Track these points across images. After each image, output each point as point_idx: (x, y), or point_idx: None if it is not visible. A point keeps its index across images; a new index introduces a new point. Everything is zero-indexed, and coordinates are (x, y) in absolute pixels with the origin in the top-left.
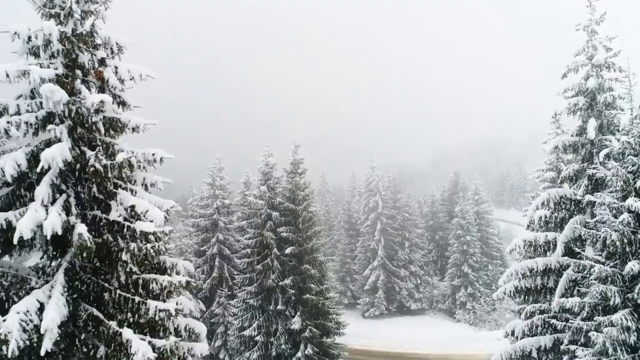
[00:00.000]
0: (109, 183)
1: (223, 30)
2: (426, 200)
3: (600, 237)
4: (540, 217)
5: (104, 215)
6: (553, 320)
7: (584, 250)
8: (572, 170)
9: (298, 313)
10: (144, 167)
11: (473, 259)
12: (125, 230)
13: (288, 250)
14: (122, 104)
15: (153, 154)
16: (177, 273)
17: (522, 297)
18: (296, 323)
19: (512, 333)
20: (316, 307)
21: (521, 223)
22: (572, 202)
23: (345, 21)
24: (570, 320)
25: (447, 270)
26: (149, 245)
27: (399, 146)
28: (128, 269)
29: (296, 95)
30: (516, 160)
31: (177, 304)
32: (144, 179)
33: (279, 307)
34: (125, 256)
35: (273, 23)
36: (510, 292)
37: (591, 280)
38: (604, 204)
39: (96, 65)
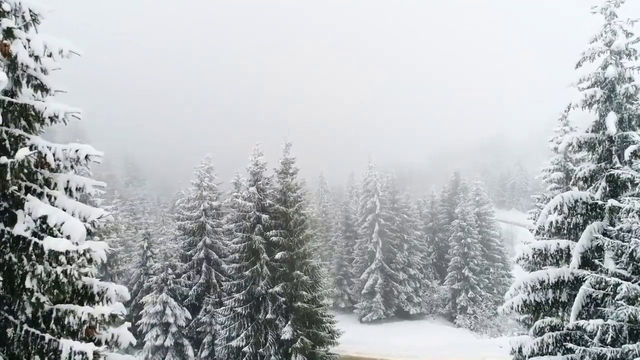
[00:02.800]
0: (13, 187)
1: (221, 29)
2: (425, 201)
3: (627, 249)
4: (551, 222)
5: (7, 229)
6: (570, 345)
7: (602, 262)
8: (588, 170)
9: (289, 322)
10: (65, 167)
11: (474, 261)
12: (31, 248)
13: (278, 256)
14: (40, 87)
15: (76, 151)
16: (108, 300)
17: (532, 312)
18: (287, 333)
19: (520, 350)
20: (308, 315)
21: (523, 224)
22: (589, 207)
23: (344, 21)
24: (588, 342)
25: (447, 274)
26: (59, 269)
27: (398, 146)
28: (34, 299)
29: (296, 95)
30: (517, 160)
31: (112, 337)
32: (67, 182)
33: (269, 315)
34: (30, 282)
35: (271, 23)
36: (518, 306)
37: (617, 300)
38: (633, 210)
39: (0, 37)
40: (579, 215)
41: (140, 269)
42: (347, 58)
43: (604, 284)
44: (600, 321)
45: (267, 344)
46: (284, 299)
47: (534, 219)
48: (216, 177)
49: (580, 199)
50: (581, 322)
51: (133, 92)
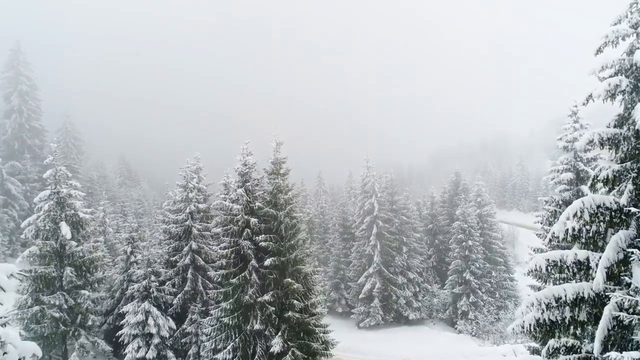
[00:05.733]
0: None
1: (216, 29)
2: (425, 202)
3: None
4: (567, 230)
5: None
6: None
7: (630, 277)
8: (611, 171)
9: (279, 333)
10: None
11: (475, 265)
12: None
13: (268, 262)
14: None
15: None
16: None
17: (545, 332)
18: (277, 345)
19: None
20: (300, 325)
21: (525, 225)
22: (612, 213)
23: (343, 20)
24: None
25: (447, 277)
26: None
27: (397, 145)
28: None
29: (294, 95)
30: (518, 160)
31: None
32: None
33: (257, 326)
34: None
35: (270, 22)
36: (530, 325)
37: None
38: None
39: None
40: (601, 223)
41: (124, 275)
42: (346, 57)
43: (639, 308)
44: (635, 354)
45: (256, 357)
46: (273, 308)
47: (541, 223)
48: (205, 177)
49: (603, 204)
50: (613, 355)
51: (131, 92)
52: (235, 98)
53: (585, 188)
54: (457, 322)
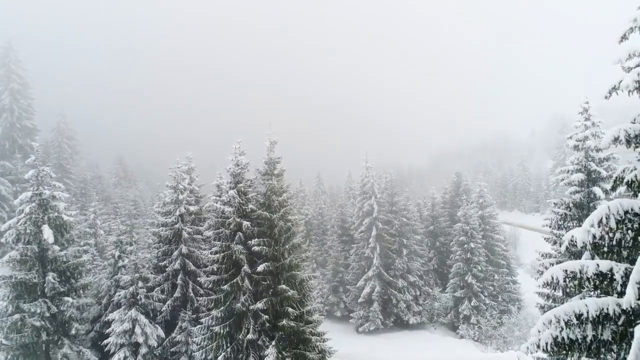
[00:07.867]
0: None
1: (214, 28)
2: (426, 203)
3: None
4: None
5: None
6: None
7: None
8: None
9: (273, 342)
10: None
11: (477, 268)
12: None
13: (261, 267)
14: None
15: None
16: None
17: (565, 352)
18: (271, 355)
19: None
20: (295, 334)
21: (527, 225)
22: None
23: (343, 20)
24: None
25: (449, 280)
26: None
27: (397, 145)
28: None
29: (294, 95)
30: (519, 160)
31: None
32: None
33: (250, 335)
34: None
35: (268, 21)
36: (547, 344)
37: None
38: None
39: None
40: (628, 230)
41: (111, 281)
42: (347, 57)
43: None
44: None
45: None
46: (267, 316)
47: (549, 226)
48: (197, 178)
49: (632, 209)
50: None
51: (131, 91)
52: (235, 97)
53: (597, 190)
54: (459, 327)
